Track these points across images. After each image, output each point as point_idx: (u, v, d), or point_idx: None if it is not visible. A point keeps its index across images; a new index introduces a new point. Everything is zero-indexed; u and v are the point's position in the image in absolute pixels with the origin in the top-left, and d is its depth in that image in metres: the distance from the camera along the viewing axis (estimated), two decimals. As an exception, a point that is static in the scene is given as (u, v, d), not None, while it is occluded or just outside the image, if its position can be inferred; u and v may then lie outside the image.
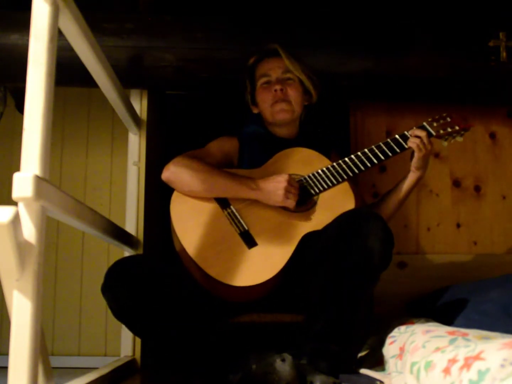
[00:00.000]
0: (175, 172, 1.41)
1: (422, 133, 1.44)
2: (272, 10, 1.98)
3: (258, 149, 1.58)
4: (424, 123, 1.51)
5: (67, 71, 1.63)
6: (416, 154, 1.45)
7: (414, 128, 1.49)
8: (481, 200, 2.11)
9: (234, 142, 1.60)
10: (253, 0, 1.97)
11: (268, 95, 1.57)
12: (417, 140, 1.43)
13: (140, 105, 1.85)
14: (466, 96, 1.95)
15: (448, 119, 1.53)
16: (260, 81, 1.60)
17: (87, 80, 1.39)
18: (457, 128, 1.52)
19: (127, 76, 1.75)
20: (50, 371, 0.89)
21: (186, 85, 1.89)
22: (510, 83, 1.87)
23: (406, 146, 1.46)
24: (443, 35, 1.87)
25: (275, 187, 1.38)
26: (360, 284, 1.24)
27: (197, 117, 2.44)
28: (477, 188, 2.12)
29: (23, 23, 1.66)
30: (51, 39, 0.90)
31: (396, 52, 1.84)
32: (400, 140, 1.46)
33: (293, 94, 1.57)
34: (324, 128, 1.72)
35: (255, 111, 1.66)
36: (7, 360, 0.78)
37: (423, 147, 1.43)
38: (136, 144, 1.81)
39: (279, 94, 1.55)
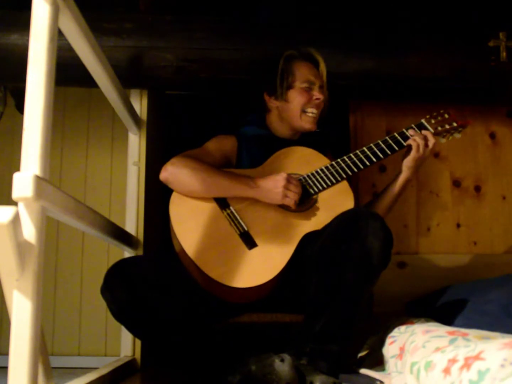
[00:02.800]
0: (173, 173, 1.41)
1: (432, 139, 1.45)
2: (271, 10, 1.97)
3: (257, 149, 1.57)
4: (422, 120, 1.51)
5: (67, 71, 1.63)
6: (412, 153, 1.45)
7: (413, 125, 1.49)
8: (481, 200, 2.11)
9: (233, 141, 1.59)
10: (253, 0, 1.97)
11: (306, 98, 1.56)
12: (421, 142, 1.43)
13: (140, 105, 1.85)
14: (466, 96, 1.95)
15: (446, 116, 1.53)
16: (302, 83, 1.57)
17: (87, 80, 1.39)
18: (455, 124, 1.52)
19: (127, 76, 1.75)
20: (50, 371, 0.89)
21: (186, 85, 1.89)
22: (510, 83, 1.87)
23: (404, 144, 1.46)
24: (443, 35, 1.87)
25: (273, 185, 1.37)
26: (359, 284, 1.24)
27: (197, 117, 2.44)
28: (477, 188, 2.12)
29: (23, 23, 1.66)
30: (51, 39, 0.90)
31: (396, 52, 1.84)
32: (399, 138, 1.47)
33: (322, 108, 1.61)
34: (323, 128, 1.72)
35: (274, 104, 1.60)
36: (7, 360, 0.78)
37: (423, 150, 1.43)
38: (136, 144, 1.81)
39: (319, 104, 1.57)
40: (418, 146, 1.43)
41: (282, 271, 1.32)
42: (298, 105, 1.57)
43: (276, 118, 1.63)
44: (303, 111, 1.57)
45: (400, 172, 1.50)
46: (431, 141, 1.45)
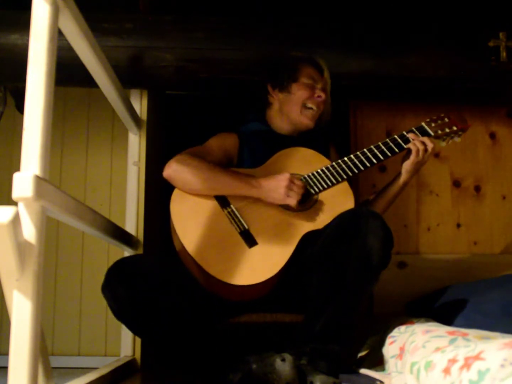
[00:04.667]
0: (177, 170, 1.41)
1: (430, 144, 1.45)
2: (271, 10, 1.98)
3: (258, 146, 1.58)
4: (423, 124, 1.52)
5: (67, 71, 1.63)
6: (411, 157, 1.45)
7: (413, 128, 1.50)
8: (481, 200, 2.11)
9: (234, 139, 1.59)
10: (253, 1, 1.97)
11: (309, 93, 1.58)
12: (421, 146, 1.44)
13: (140, 105, 1.85)
14: (466, 96, 1.95)
15: (446, 120, 1.53)
16: (307, 79, 1.60)
17: (87, 80, 1.39)
18: (455, 128, 1.52)
19: (127, 76, 1.75)
20: (50, 371, 0.89)
21: (186, 85, 1.89)
22: (510, 83, 1.87)
23: (404, 147, 1.47)
24: (443, 35, 1.87)
25: (276, 185, 1.38)
26: (359, 283, 1.24)
27: (197, 117, 2.44)
28: (477, 188, 2.12)
29: (23, 23, 1.66)
30: (51, 39, 0.90)
31: (396, 52, 1.84)
32: (399, 140, 1.48)
33: (323, 109, 1.62)
34: (324, 128, 1.72)
35: (276, 96, 1.62)
36: (7, 360, 0.78)
37: (422, 154, 1.44)
38: (136, 144, 1.81)
39: (320, 103, 1.59)
40: (417, 150, 1.44)
41: (282, 269, 1.33)
42: (300, 98, 1.58)
43: (276, 112, 1.64)
44: (304, 105, 1.58)
45: (399, 174, 1.51)
46: (430, 146, 1.45)
